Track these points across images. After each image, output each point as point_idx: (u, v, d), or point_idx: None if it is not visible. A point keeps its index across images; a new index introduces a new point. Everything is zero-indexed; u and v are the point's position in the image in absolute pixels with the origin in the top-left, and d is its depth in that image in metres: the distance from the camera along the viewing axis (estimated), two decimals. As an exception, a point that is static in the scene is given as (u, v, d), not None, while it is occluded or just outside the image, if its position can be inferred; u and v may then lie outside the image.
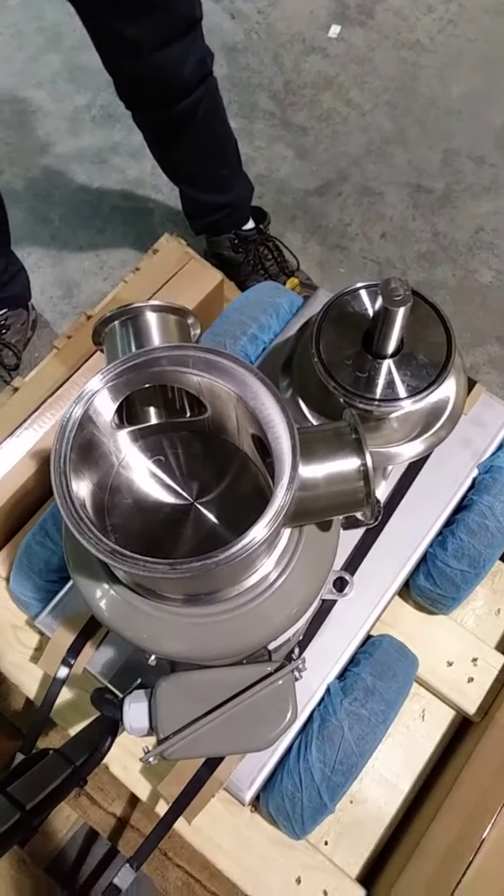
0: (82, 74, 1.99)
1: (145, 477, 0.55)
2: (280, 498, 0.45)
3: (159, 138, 1.36)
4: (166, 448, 0.56)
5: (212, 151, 1.39)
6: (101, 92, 1.96)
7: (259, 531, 0.44)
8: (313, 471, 0.50)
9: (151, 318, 0.59)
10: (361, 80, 1.96)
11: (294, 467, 0.46)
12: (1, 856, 0.61)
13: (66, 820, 1.05)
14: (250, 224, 1.60)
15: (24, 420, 1.01)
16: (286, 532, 0.56)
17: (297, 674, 0.64)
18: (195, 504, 0.54)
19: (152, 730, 0.62)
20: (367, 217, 1.79)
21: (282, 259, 1.63)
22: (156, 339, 0.58)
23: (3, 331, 1.56)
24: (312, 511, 0.52)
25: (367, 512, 0.52)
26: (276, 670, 0.62)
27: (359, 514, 0.54)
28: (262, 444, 0.49)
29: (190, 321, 0.63)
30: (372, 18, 2.05)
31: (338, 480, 0.50)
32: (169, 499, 0.54)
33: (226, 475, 0.55)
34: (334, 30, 2.04)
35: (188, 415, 0.56)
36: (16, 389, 1.04)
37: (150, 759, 0.61)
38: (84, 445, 0.48)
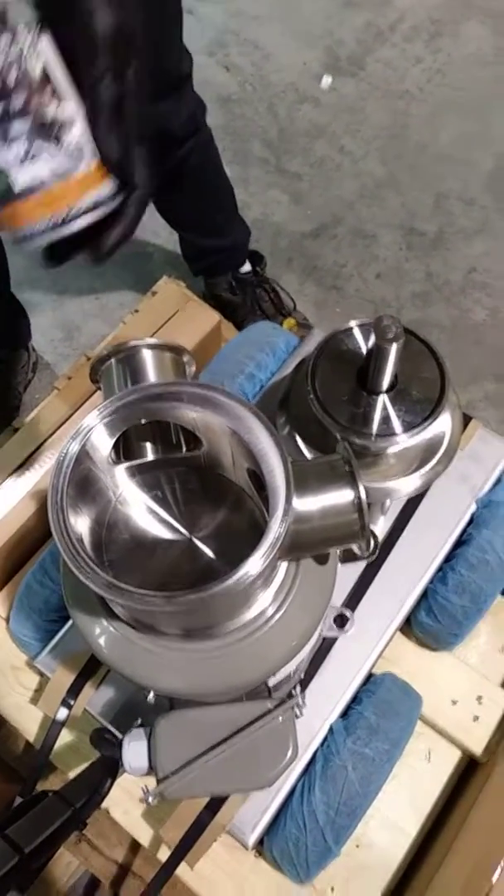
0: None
1: (142, 512, 0.55)
2: (275, 530, 0.45)
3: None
4: (163, 483, 0.56)
5: (207, 198, 1.43)
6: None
7: (254, 563, 0.45)
8: (308, 503, 0.51)
9: (147, 356, 0.60)
10: (353, 129, 2.02)
11: (288, 500, 0.46)
12: (-1, 902, 0.60)
13: (67, 867, 1.03)
14: (247, 267, 1.63)
15: (25, 460, 1.02)
16: (283, 566, 0.56)
17: (297, 710, 0.64)
18: (192, 539, 0.54)
19: (152, 769, 0.62)
20: (361, 259, 1.83)
21: (278, 300, 1.66)
22: (151, 376, 0.59)
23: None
24: (308, 544, 0.53)
25: (363, 545, 0.53)
26: (276, 707, 0.62)
27: (355, 548, 0.55)
28: (258, 478, 0.50)
29: (185, 359, 0.64)
30: (363, 69, 2.11)
31: (332, 513, 0.51)
32: (166, 534, 0.55)
33: (222, 510, 0.56)
34: (326, 81, 2.10)
35: (184, 450, 0.57)
36: (16, 430, 1.05)
37: (150, 800, 0.60)
38: (81, 481, 0.49)
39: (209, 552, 0.54)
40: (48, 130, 0.49)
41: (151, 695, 0.62)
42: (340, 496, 0.51)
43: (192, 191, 1.38)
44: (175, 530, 0.54)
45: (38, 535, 1.02)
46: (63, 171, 0.50)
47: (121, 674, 0.55)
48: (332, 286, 1.80)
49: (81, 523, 0.48)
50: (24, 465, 1.02)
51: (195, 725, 0.62)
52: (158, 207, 1.47)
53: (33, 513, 0.99)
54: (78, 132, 0.50)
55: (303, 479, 0.51)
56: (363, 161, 1.97)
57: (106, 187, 0.53)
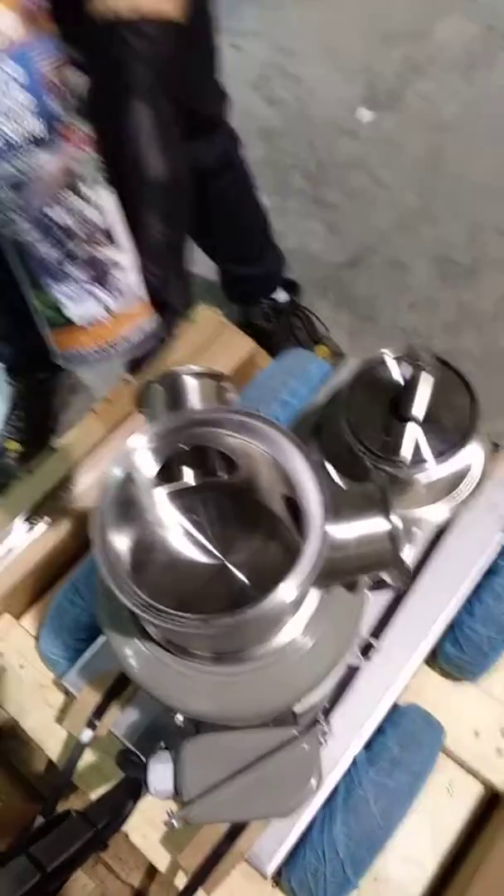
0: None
1: (179, 535, 0.56)
2: (309, 557, 0.46)
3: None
4: (200, 507, 0.57)
5: (240, 228, 1.46)
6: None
7: (288, 589, 0.45)
8: (342, 531, 0.51)
9: (190, 383, 0.62)
10: (390, 160, 2.05)
11: (323, 527, 0.47)
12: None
13: (83, 889, 1.03)
14: (283, 295, 1.65)
15: (61, 480, 1.04)
16: (313, 593, 0.56)
17: (322, 739, 0.64)
18: (226, 563, 0.55)
19: (176, 793, 0.62)
20: (395, 289, 1.84)
21: (312, 328, 1.67)
22: (194, 402, 0.61)
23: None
24: (340, 571, 0.53)
25: (395, 573, 0.53)
26: (302, 733, 0.62)
27: (387, 577, 0.55)
28: (294, 505, 0.51)
29: (226, 385, 0.65)
30: (401, 102, 2.15)
31: (366, 541, 0.52)
32: (201, 557, 0.55)
33: (257, 535, 0.56)
34: (365, 114, 2.14)
35: (223, 475, 0.58)
36: (53, 450, 1.07)
37: (174, 823, 0.60)
38: (123, 502, 0.50)
39: (243, 577, 0.54)
40: (104, 274, 0.52)
41: (180, 717, 0.62)
42: (374, 525, 0.52)
43: (227, 221, 1.41)
44: (210, 554, 0.55)
45: (70, 553, 1.03)
46: (114, 309, 0.53)
47: (152, 695, 0.55)
48: (366, 315, 1.81)
49: (121, 544, 0.49)
50: (59, 484, 1.04)
51: (221, 750, 0.62)
52: (194, 237, 1.50)
53: (67, 532, 1.00)
54: (131, 275, 0.53)
55: (337, 508, 0.52)
56: (399, 192, 1.99)
57: (152, 321, 0.56)
